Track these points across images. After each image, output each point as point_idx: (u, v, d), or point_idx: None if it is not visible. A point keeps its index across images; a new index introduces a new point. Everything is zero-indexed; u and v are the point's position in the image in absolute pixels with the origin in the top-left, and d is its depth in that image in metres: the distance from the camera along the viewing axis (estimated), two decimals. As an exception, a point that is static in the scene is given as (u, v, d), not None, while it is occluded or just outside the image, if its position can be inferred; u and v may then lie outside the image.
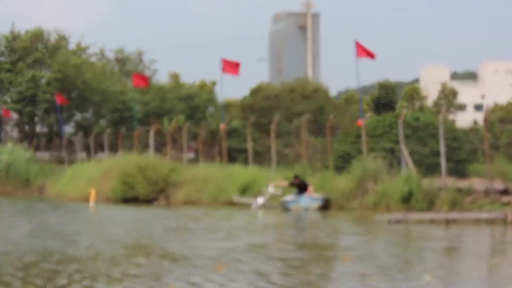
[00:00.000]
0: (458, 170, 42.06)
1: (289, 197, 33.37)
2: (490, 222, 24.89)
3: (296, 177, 33.89)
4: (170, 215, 31.05)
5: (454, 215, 25.83)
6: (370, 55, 35.46)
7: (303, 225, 26.49)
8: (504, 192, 28.23)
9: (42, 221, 28.37)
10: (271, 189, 33.89)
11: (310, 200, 32.56)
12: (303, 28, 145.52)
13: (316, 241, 20.68)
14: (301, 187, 33.27)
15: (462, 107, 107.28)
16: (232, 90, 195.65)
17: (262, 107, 70.30)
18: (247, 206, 33.94)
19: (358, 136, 38.92)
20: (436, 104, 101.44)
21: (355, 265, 15.36)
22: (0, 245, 19.92)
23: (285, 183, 34.01)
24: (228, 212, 31.77)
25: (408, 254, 17.53)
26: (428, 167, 38.48)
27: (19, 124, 72.09)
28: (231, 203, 35.99)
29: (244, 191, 36.36)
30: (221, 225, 26.28)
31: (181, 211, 33.38)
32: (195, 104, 72.28)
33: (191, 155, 53.93)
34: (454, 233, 22.15)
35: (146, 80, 56.50)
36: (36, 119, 72.04)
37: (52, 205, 38.68)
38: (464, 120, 78.07)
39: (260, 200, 33.74)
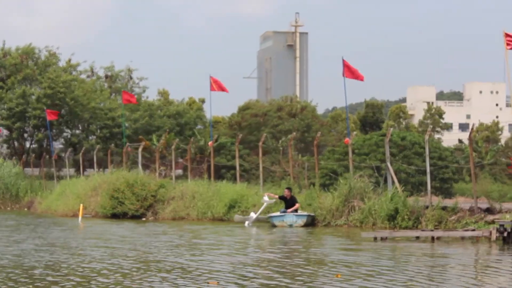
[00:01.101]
0: (444, 188, 42.59)
1: (275, 213, 33.73)
2: (475, 240, 25.29)
3: (288, 189, 34.22)
4: (167, 231, 31.20)
5: (439, 233, 26.21)
6: (358, 77, 35.53)
7: (296, 241, 26.71)
8: (488, 210, 28.63)
9: (44, 235, 28.55)
10: (266, 198, 34.24)
11: (296, 217, 32.87)
12: (291, 47, 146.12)
13: (320, 257, 20.90)
14: (290, 202, 33.58)
15: (448, 127, 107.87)
16: (221, 107, 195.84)
17: (250, 125, 70.73)
18: (241, 222, 34.17)
19: (345, 154, 39.35)
20: (422, 123, 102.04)
21: (361, 282, 15.72)
22: (13, 259, 20.15)
23: (275, 196, 34.41)
24: (224, 228, 32.03)
25: (406, 270, 17.83)
26: (414, 186, 39.00)
27: (8, 140, 72.21)
28: (220, 220, 36.39)
29: (231, 207, 36.75)
30: (223, 240, 26.57)
31: (178, 226, 33.49)
32: (183, 121, 72.64)
33: (179, 171, 54.25)
34: (441, 251, 22.52)
35: (134, 98, 56.91)
36: (25, 135, 72.22)
37: (47, 220, 38.88)
38: (449, 139, 78.59)
39: (254, 216, 33.98)
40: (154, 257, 20.55)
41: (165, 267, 18.32)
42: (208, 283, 15.51)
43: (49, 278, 16.57)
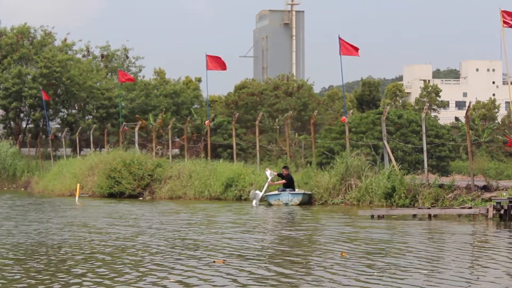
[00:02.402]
0: (440, 166, 42.64)
1: (272, 192, 33.70)
2: (472, 217, 25.34)
3: (285, 167, 34.20)
4: (178, 209, 31.10)
5: (436, 210, 26.25)
6: (354, 52, 35.39)
7: (296, 220, 26.69)
8: (485, 188, 28.67)
9: (60, 215, 28.49)
10: (268, 172, 34.14)
11: (291, 195, 32.85)
12: (287, 26, 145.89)
13: (321, 236, 20.87)
14: (287, 180, 33.51)
15: (444, 105, 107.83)
16: (217, 86, 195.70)
17: (247, 104, 70.71)
18: (250, 201, 33.98)
19: (342, 132, 39.35)
20: (419, 101, 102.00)
21: (365, 260, 15.76)
22: (43, 238, 20.10)
23: (275, 172, 34.36)
24: (233, 207, 32.08)
25: (405, 247, 17.86)
26: (411, 164, 39.03)
27: (5, 120, 72.12)
28: (216, 199, 36.43)
29: (228, 186, 36.76)
30: (239, 218, 26.59)
31: (187, 205, 33.38)
32: (180, 100, 72.55)
33: (176, 151, 54.25)
34: (438, 228, 22.56)
35: (132, 77, 56.86)
36: (22, 115, 72.13)
37: (51, 200, 38.85)
38: (446, 117, 78.60)
39: (259, 194, 33.71)
40: (180, 236, 20.54)
41: (188, 245, 18.37)
42: (214, 262, 15.52)
43: (78, 257, 16.60)
